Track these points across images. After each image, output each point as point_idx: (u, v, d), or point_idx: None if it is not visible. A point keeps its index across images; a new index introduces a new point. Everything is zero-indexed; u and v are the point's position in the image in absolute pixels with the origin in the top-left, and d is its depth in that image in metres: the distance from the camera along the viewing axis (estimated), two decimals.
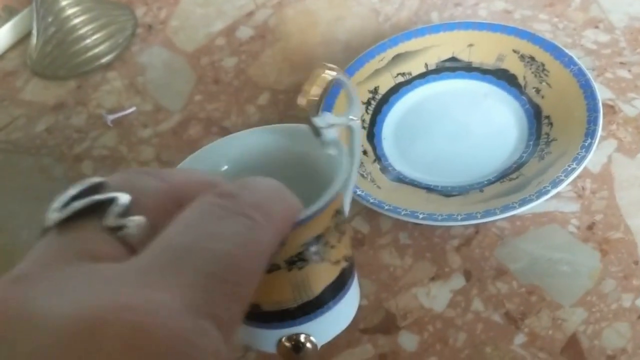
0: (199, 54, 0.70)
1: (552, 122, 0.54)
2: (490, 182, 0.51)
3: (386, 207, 0.48)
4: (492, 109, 0.57)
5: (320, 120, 0.33)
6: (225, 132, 0.63)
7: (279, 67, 0.67)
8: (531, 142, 0.54)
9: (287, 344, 0.33)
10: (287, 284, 0.31)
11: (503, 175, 0.51)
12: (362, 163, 0.54)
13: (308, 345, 0.33)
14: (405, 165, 0.55)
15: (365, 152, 0.56)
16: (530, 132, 0.54)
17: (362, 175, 0.52)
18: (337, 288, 0.33)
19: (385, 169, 0.54)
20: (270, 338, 0.33)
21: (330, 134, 0.34)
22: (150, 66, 0.71)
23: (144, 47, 0.73)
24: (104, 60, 0.73)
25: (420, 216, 0.47)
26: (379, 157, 0.56)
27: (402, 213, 0.47)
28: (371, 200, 0.48)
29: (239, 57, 0.69)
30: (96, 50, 0.74)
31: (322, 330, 0.34)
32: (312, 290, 0.32)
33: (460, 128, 0.56)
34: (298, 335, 0.33)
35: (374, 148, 0.56)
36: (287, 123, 0.38)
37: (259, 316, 0.32)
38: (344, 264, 0.33)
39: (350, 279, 0.34)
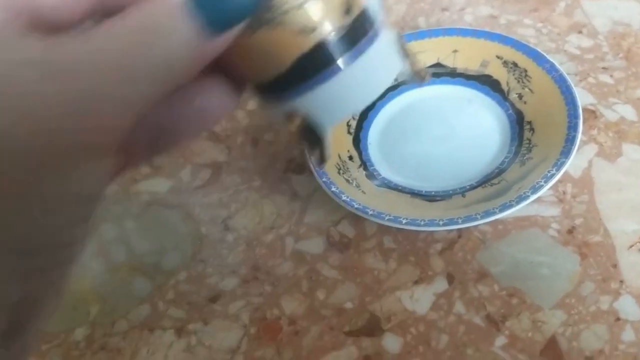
0: None
1: (533, 127, 0.55)
2: (473, 187, 0.52)
3: (370, 213, 0.49)
4: (476, 114, 0.59)
5: None
6: (214, 136, 0.64)
7: None
8: (513, 148, 0.55)
9: (293, 122, 0.30)
10: (248, 54, 0.28)
11: (485, 181, 0.52)
12: (347, 169, 0.55)
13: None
14: (390, 171, 0.56)
15: (351, 158, 0.57)
16: (512, 137, 0.56)
17: (348, 181, 0.54)
18: (317, 62, 0.29)
19: (370, 174, 0.55)
20: (279, 115, 0.31)
21: None
22: None
23: None
24: None
25: (404, 221, 0.48)
26: (365, 163, 0.57)
27: (386, 218, 0.48)
28: (356, 206, 0.50)
29: None
30: None
31: (325, 107, 0.30)
32: (278, 62, 0.28)
33: (444, 133, 0.58)
34: (296, 112, 0.30)
35: (360, 153, 0.57)
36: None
37: (259, 92, 0.31)
38: (320, 36, 0.28)
39: (345, 54, 0.29)
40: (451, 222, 0.48)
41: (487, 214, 0.47)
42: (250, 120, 0.64)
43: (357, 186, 0.54)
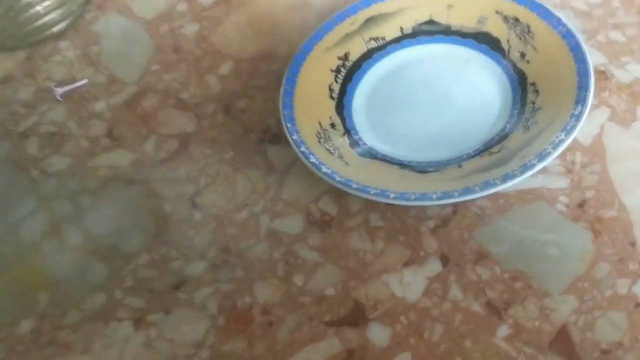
0: (158, 22, 0.64)
1: (538, 89, 0.48)
2: (470, 157, 0.46)
3: (354, 186, 0.43)
4: (473, 76, 0.52)
5: None
6: (182, 104, 0.57)
7: (243, 33, 0.61)
8: (515, 112, 0.48)
9: None
10: None
11: (484, 149, 0.46)
12: (329, 137, 0.49)
13: None
14: (377, 139, 0.50)
15: (333, 125, 0.51)
16: (514, 100, 0.49)
17: (329, 151, 0.47)
18: None
19: (355, 143, 0.49)
20: None
21: None
22: (105, 35, 0.65)
23: (99, 14, 0.67)
24: (55, 28, 0.67)
25: (392, 195, 0.42)
26: (348, 130, 0.50)
27: (372, 192, 0.42)
28: (338, 179, 0.43)
29: (200, 24, 0.63)
30: (47, 19, 0.68)
31: None
32: None
33: (438, 97, 0.51)
34: None
35: (343, 120, 0.51)
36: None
37: None
38: None
39: None
40: (446, 195, 0.41)
41: (487, 185, 0.41)
42: (223, 86, 0.58)
43: (340, 157, 0.47)
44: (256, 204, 0.49)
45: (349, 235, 0.46)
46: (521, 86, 0.50)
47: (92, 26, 0.66)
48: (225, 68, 0.60)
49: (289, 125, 0.48)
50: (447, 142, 0.48)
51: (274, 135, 0.54)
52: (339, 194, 0.47)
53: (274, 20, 0.62)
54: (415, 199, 0.42)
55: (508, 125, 0.48)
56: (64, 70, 0.63)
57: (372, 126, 0.51)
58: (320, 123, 0.50)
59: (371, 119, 0.52)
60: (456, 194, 0.41)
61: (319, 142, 0.48)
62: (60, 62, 0.64)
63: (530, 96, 0.49)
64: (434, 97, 0.52)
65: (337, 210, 0.47)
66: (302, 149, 0.46)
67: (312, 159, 0.45)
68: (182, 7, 0.65)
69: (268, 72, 0.58)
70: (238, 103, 0.56)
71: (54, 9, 0.68)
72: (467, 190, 0.41)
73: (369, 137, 0.50)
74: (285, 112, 0.49)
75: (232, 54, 0.60)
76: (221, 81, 0.58)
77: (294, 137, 0.47)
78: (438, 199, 0.41)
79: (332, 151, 0.48)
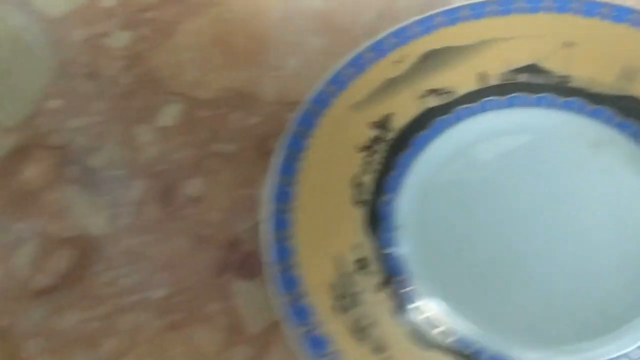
0: (69, 23, 0.38)
1: None
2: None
3: None
4: (611, 176, 0.28)
5: None
6: (90, 176, 0.32)
7: (205, 55, 0.36)
8: None
9: None
10: None
11: None
12: (355, 292, 0.24)
13: None
14: (452, 302, 0.25)
15: (362, 263, 0.25)
16: None
17: (358, 331, 0.22)
18: None
19: (402, 305, 0.24)
20: None
21: None
22: None
23: None
24: None
25: None
26: (391, 274, 0.25)
27: None
28: None
29: (135, 32, 0.37)
30: None
31: None
32: None
33: (546, 215, 0.27)
34: None
35: (379, 249, 0.26)
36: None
37: None
38: None
39: None
40: None
41: None
42: (161, 149, 0.33)
43: (376, 347, 0.22)
44: None
45: None
46: None
47: None
48: (169, 114, 0.34)
49: (280, 267, 0.23)
50: (572, 316, 0.24)
51: (246, 258, 0.29)
52: None
53: (260, 37, 0.37)
54: None
55: None
56: None
57: (437, 268, 0.26)
58: (341, 259, 0.25)
59: (436, 249, 0.27)
60: None
61: (337, 306, 0.23)
62: None
63: None
64: (538, 213, 0.27)
65: None
66: (311, 329, 0.21)
67: None
68: (110, 0, 0.39)
69: (243, 131, 0.33)
70: (185, 186, 0.31)
71: None
72: None
73: (435, 294, 0.25)
74: (275, 232, 0.25)
75: (183, 89, 0.35)
76: (159, 139, 0.33)
77: (291, 295, 0.22)
78: None
79: (363, 329, 0.23)
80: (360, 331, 0.25)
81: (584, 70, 0.31)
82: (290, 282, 0.25)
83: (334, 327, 0.24)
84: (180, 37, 0.38)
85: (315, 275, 0.26)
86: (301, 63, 0.36)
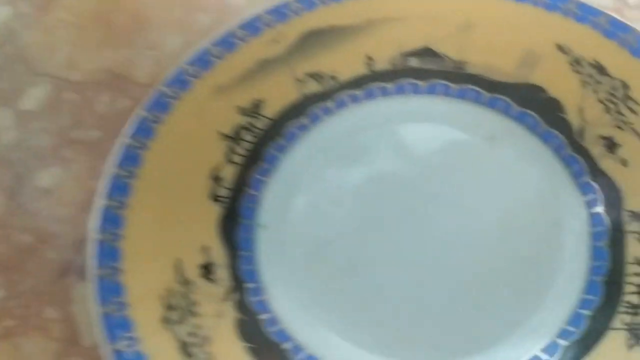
0: None
1: None
2: None
3: None
4: (505, 173, 0.25)
5: None
6: None
7: (82, 33, 0.32)
8: (599, 277, 0.21)
9: None
10: None
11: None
12: (193, 302, 0.21)
13: None
14: (310, 316, 0.22)
15: (207, 268, 0.22)
16: (597, 255, 0.22)
17: (184, 345, 0.19)
18: None
19: (252, 319, 0.21)
20: None
21: None
22: None
23: None
24: None
25: None
26: (242, 283, 0.22)
27: None
28: None
29: (15, 8, 0.34)
30: None
31: None
32: None
33: (442, 222, 0.24)
34: None
35: (233, 256, 0.23)
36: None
37: None
38: None
39: None
40: None
41: None
42: (19, 135, 0.29)
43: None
44: None
45: None
46: (615, 227, 0.22)
47: None
48: (33, 97, 0.30)
49: (100, 272, 0.20)
50: (464, 332, 0.21)
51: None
52: None
53: (142, 13, 0.33)
54: None
55: (585, 316, 0.20)
56: None
57: (301, 279, 0.23)
58: (181, 264, 0.22)
59: (300, 258, 0.23)
60: None
61: (167, 319, 0.20)
62: None
63: (634, 251, 0.21)
64: (429, 216, 0.24)
65: None
66: (126, 346, 0.18)
67: None
68: None
69: (110, 116, 0.30)
70: (36, 177, 0.28)
71: None
72: None
73: (291, 307, 0.22)
74: (101, 231, 0.21)
75: (53, 70, 0.31)
76: (19, 124, 0.29)
77: (108, 306, 0.19)
78: None
79: (194, 345, 0.19)
80: (191, 347, 0.21)
81: (481, 55, 0.28)
82: (110, 291, 0.21)
83: (157, 343, 0.21)
84: (57, 14, 0.34)
85: (146, 282, 0.22)
86: (183, 42, 0.32)
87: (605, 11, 0.26)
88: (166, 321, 0.22)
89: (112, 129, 0.30)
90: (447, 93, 0.28)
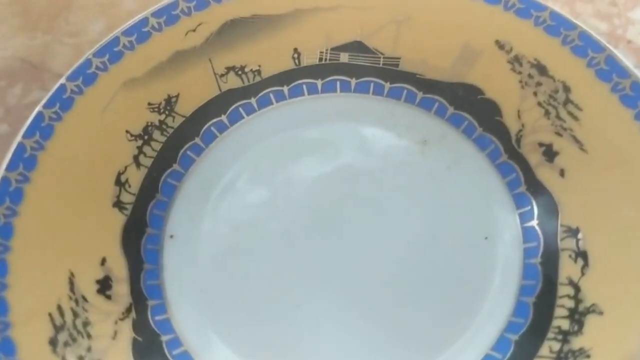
0: None
1: (586, 255, 0.20)
2: None
3: None
4: (434, 181, 0.23)
5: None
6: None
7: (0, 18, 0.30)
8: (530, 298, 0.20)
9: None
10: None
11: None
12: (86, 321, 0.19)
13: None
14: (215, 334, 0.20)
15: (104, 284, 0.20)
16: (529, 274, 0.20)
17: None
18: None
19: (150, 340, 0.19)
20: None
21: None
22: None
23: None
24: None
25: None
26: (142, 299, 0.20)
27: None
28: None
29: None
30: None
31: None
32: None
33: (364, 229, 0.22)
34: None
35: (136, 269, 0.21)
36: None
37: None
38: None
39: None
40: None
41: None
42: None
43: None
44: None
45: None
46: (549, 247, 0.20)
47: None
48: None
49: None
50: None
51: None
52: None
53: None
54: None
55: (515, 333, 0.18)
56: None
57: (210, 295, 0.21)
58: (71, 278, 0.20)
59: (210, 273, 0.21)
60: None
61: (57, 340, 0.18)
62: None
63: (568, 269, 0.19)
64: (348, 230, 0.22)
65: None
66: None
67: None
68: None
69: (22, 109, 0.27)
70: None
71: None
72: None
73: (195, 321, 0.20)
74: None
75: None
76: None
77: None
78: None
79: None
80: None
81: (416, 51, 0.25)
82: None
83: None
84: None
85: (34, 299, 0.20)
86: (105, 28, 0.30)
87: (549, 5, 0.24)
88: (54, 343, 0.20)
89: (22, 123, 0.27)
90: (378, 92, 0.25)
